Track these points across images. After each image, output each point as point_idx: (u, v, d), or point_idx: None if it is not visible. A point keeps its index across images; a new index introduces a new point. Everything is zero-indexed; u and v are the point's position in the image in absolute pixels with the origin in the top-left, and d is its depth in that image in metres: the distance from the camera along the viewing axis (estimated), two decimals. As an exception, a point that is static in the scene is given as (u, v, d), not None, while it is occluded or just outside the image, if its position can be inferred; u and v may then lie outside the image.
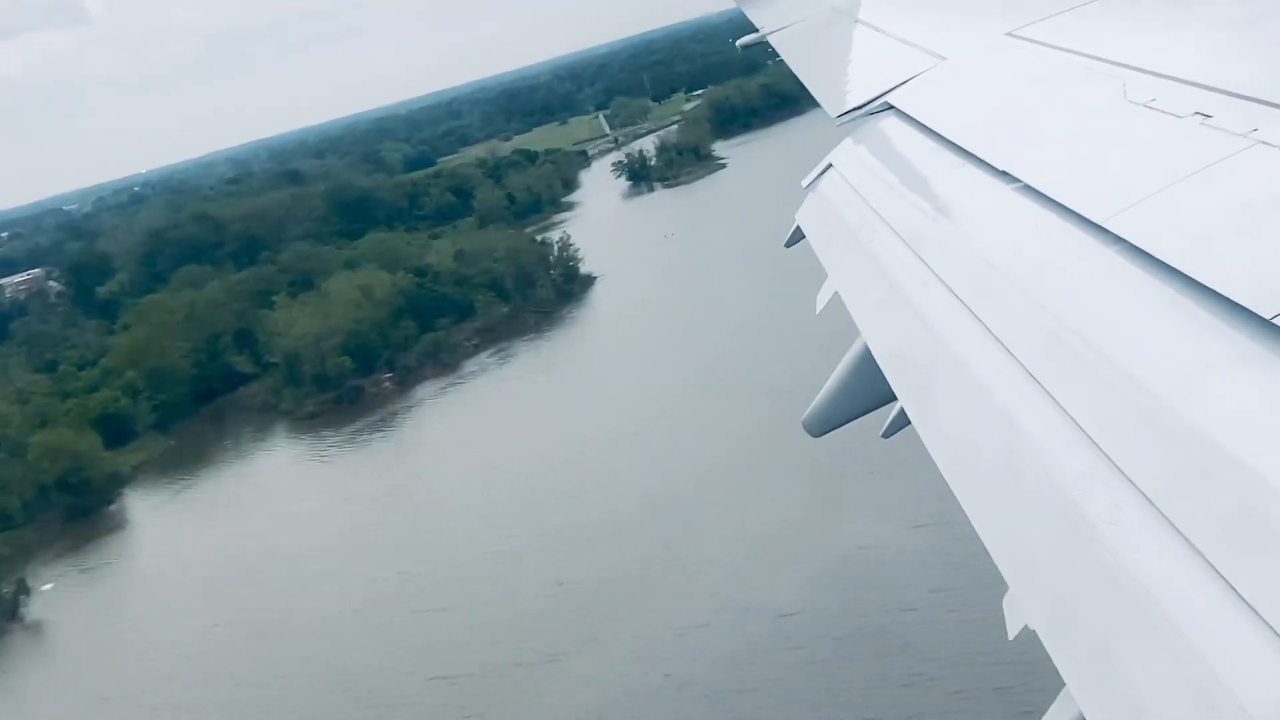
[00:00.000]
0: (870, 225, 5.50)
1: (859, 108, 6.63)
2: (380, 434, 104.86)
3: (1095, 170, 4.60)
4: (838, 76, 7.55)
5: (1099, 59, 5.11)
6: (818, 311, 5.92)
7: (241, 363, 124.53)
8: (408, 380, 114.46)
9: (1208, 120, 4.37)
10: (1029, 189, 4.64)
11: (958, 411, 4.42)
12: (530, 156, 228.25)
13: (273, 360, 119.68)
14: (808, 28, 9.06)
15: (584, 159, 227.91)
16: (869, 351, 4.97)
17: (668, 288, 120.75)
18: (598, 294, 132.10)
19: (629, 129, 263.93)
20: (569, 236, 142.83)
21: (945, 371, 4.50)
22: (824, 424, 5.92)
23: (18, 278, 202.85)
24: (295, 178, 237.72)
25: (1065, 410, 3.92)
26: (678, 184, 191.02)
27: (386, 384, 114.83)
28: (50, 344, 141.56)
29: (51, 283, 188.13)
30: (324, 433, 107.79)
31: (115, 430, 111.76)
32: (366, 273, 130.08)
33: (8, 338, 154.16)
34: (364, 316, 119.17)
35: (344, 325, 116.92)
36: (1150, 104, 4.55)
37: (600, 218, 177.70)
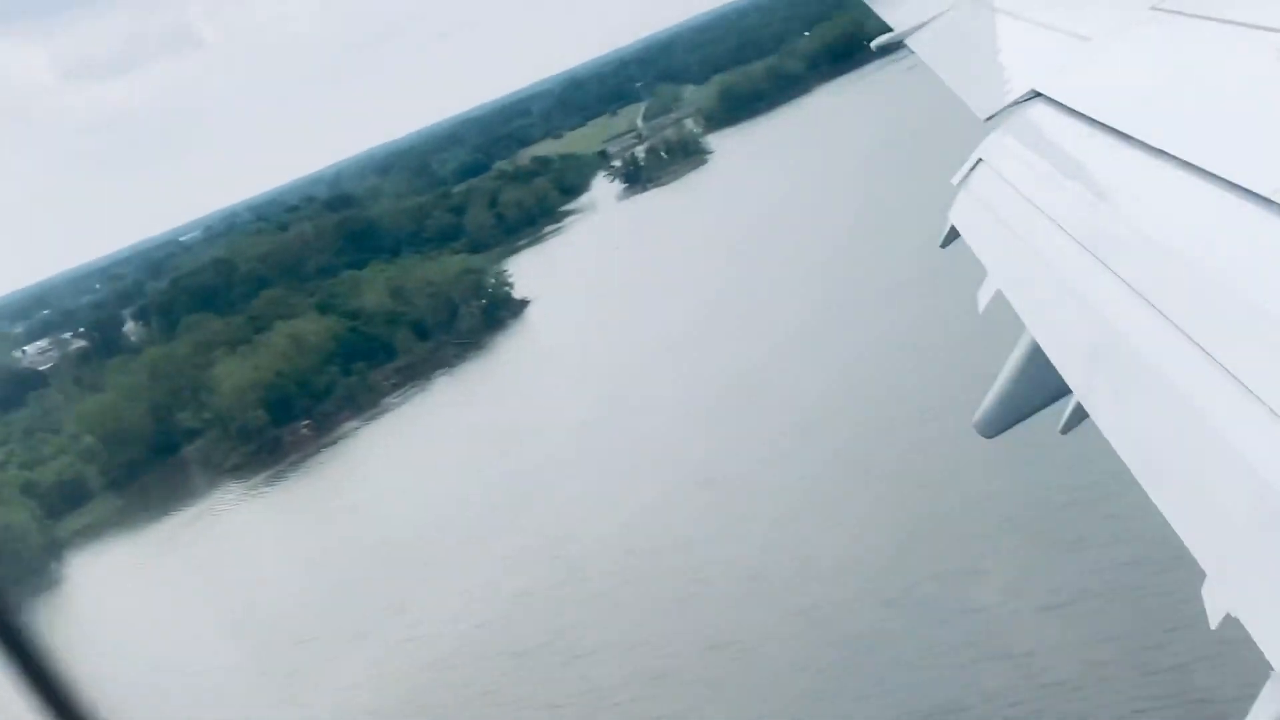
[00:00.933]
0: (1029, 218, 5.39)
1: (1006, 104, 6.50)
2: (282, 482, 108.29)
3: (1258, 141, 4.50)
4: (981, 73, 7.43)
5: (1249, 25, 5.02)
6: (980, 310, 5.79)
7: (188, 419, 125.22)
8: (325, 426, 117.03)
9: None
10: (1191, 166, 4.53)
11: (1141, 402, 4.31)
12: (545, 163, 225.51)
13: (206, 416, 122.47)
14: (944, 25, 8.91)
15: (604, 159, 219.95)
16: (1038, 348, 4.86)
17: (595, 310, 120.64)
18: (528, 320, 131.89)
19: (656, 120, 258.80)
20: (505, 262, 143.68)
21: (1123, 361, 4.39)
22: (997, 424, 5.80)
23: (42, 343, 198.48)
24: (348, 202, 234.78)
25: (1253, 393, 3.82)
26: (661, 184, 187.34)
27: (305, 431, 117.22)
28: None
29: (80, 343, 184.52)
30: (232, 485, 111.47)
31: (71, 495, 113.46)
32: (306, 319, 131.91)
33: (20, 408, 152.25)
34: (290, 366, 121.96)
35: (265, 378, 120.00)
36: None
37: (581, 230, 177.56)
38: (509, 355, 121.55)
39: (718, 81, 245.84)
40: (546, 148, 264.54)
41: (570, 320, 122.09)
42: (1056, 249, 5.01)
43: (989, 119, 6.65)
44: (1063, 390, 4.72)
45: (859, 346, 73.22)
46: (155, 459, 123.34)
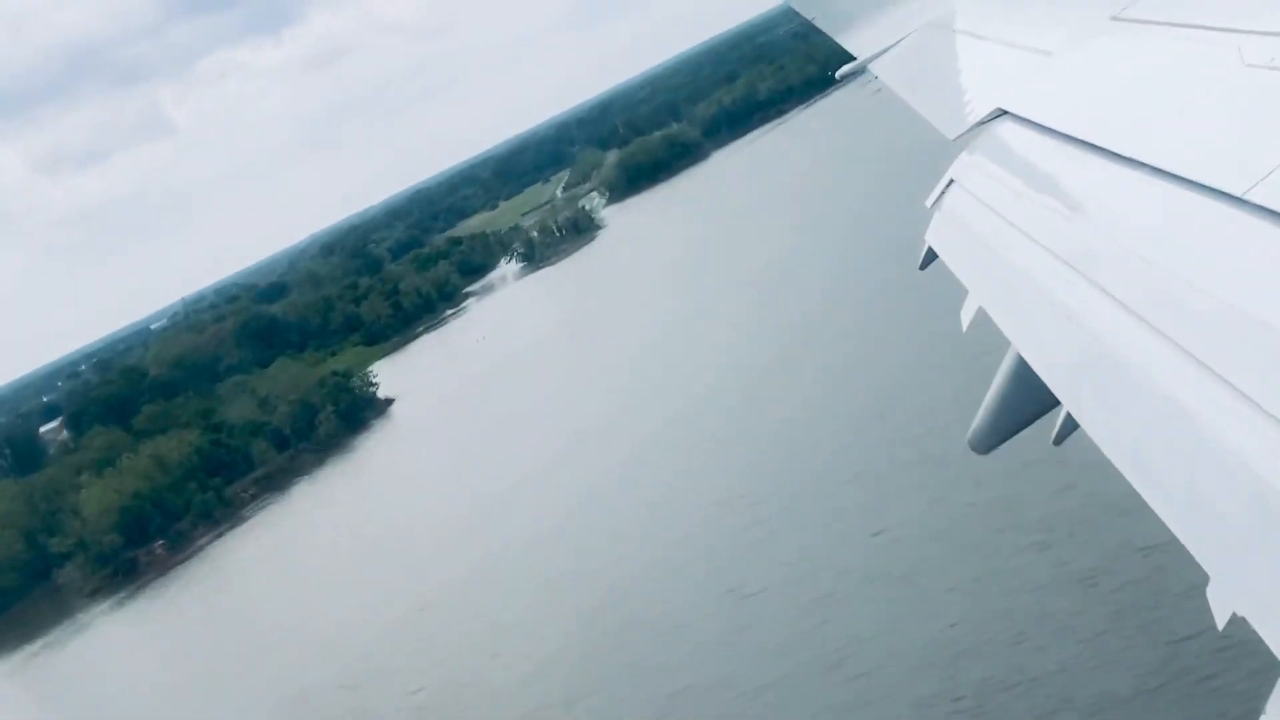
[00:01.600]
0: (1003, 234, 5.44)
1: (973, 123, 6.57)
2: (133, 602, 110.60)
3: (1226, 141, 4.54)
4: (946, 95, 7.48)
5: (1211, 28, 5.06)
6: (964, 329, 5.83)
7: (57, 544, 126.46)
8: (179, 544, 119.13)
9: None
10: (1161, 172, 4.58)
11: (1130, 409, 4.33)
12: (455, 244, 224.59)
13: (70, 541, 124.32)
14: (906, 49, 9.02)
15: (517, 234, 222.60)
16: (1024, 362, 4.88)
17: (458, 404, 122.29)
18: (392, 418, 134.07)
19: (573, 190, 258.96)
20: (404, 349, 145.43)
21: (1109, 370, 4.42)
22: (989, 440, 5.82)
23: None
24: (281, 291, 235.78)
25: (1242, 393, 3.83)
26: (550, 264, 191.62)
27: (159, 551, 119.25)
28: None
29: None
30: (87, 610, 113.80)
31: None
32: (167, 438, 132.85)
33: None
34: (149, 486, 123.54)
35: (124, 500, 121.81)
36: (1271, 64, 4.50)
37: (475, 314, 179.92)
38: (368, 457, 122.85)
39: (617, 154, 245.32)
40: (480, 220, 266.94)
41: (431, 416, 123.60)
42: (1034, 262, 5.05)
43: (957, 139, 6.71)
44: (1051, 402, 4.74)
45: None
46: (28, 585, 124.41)
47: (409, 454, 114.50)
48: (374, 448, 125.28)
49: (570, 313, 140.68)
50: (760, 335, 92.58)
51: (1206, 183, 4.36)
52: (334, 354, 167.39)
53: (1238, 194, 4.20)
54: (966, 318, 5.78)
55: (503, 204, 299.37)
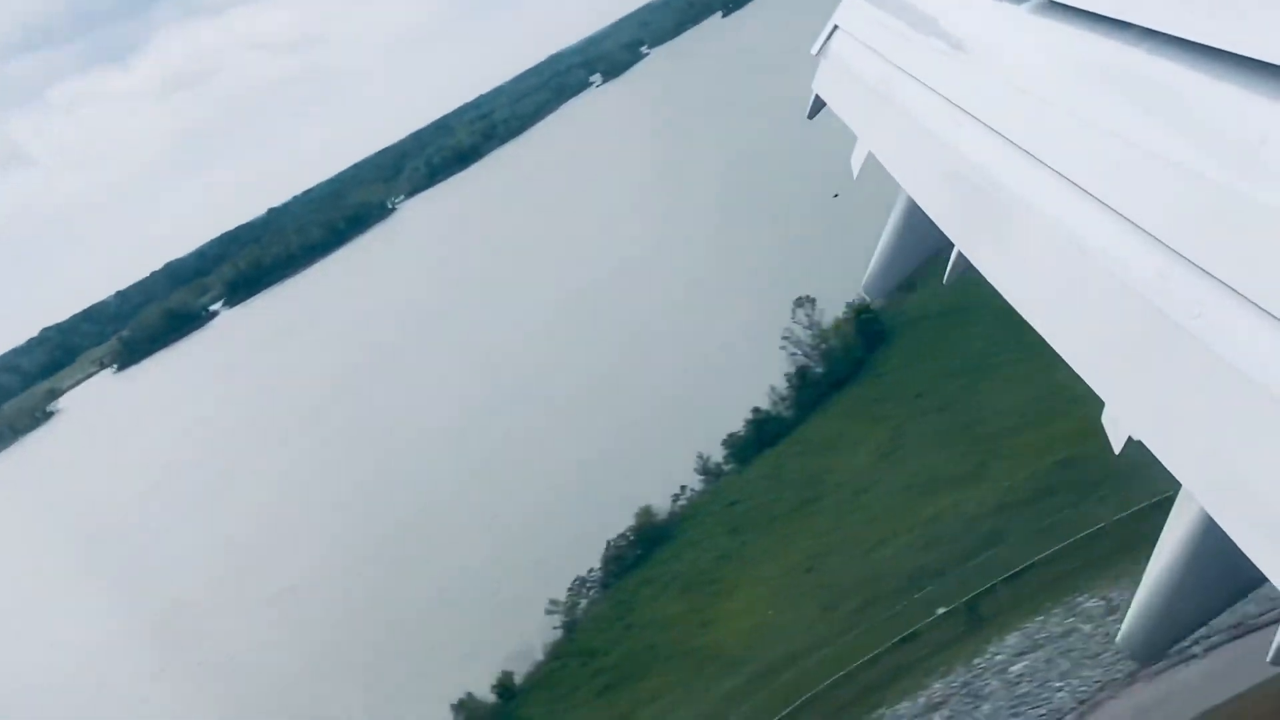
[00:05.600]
0: (888, 77, 5.40)
1: None
2: None
3: None
4: None
5: None
6: (855, 176, 5.81)
7: None
8: None
9: None
10: (1044, 4, 4.55)
11: (1017, 243, 4.36)
12: None
13: None
14: None
15: None
16: (914, 204, 4.88)
17: None
18: None
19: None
20: None
21: (995, 205, 4.43)
22: (883, 285, 5.83)
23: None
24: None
25: (1125, 216, 3.86)
26: None
27: None
28: None
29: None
30: None
31: None
32: None
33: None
34: None
35: None
36: None
37: None
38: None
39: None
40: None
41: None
42: (918, 103, 5.02)
43: None
44: (944, 243, 4.76)
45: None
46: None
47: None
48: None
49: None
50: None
51: (1090, 8, 4.34)
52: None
53: (1117, 17, 4.19)
54: (856, 164, 5.77)
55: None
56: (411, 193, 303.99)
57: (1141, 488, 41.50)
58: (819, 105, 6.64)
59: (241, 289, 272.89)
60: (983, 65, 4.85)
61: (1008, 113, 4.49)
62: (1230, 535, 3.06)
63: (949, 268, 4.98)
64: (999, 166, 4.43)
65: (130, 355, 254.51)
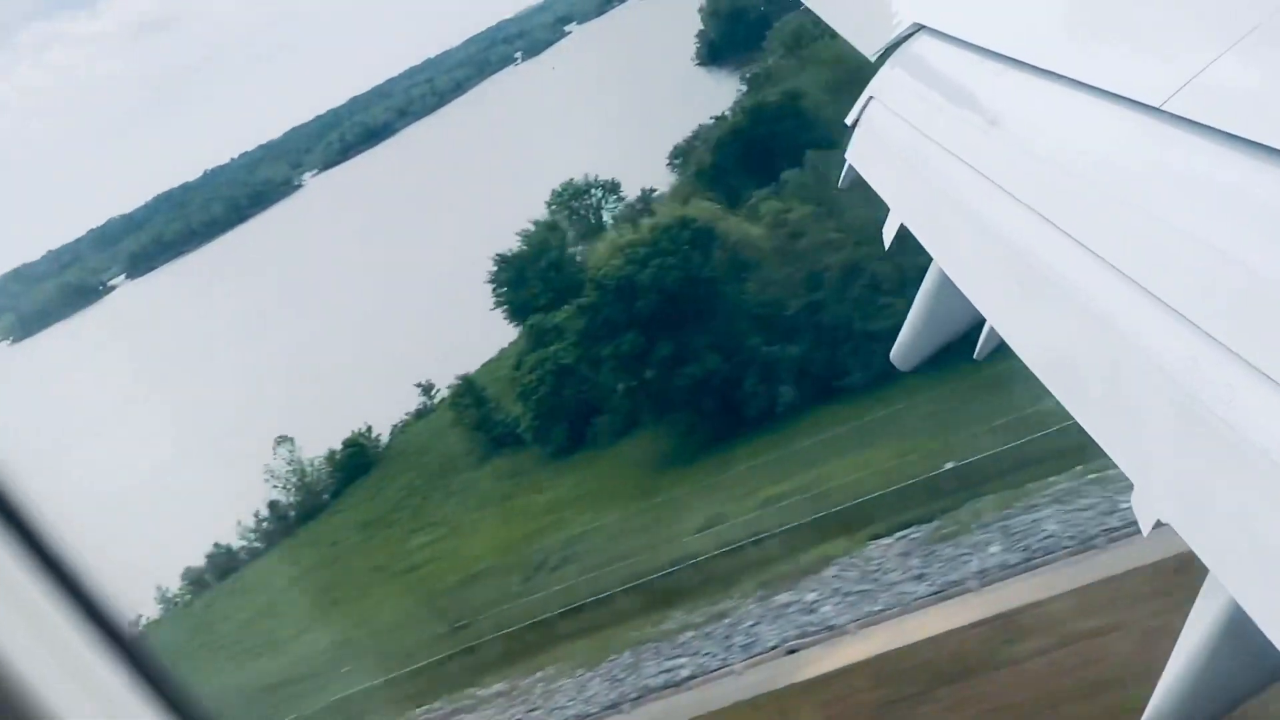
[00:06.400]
0: (923, 150, 5.41)
1: (892, 39, 6.50)
2: None
3: (1143, 53, 4.53)
4: (864, 11, 7.42)
5: None
6: (886, 246, 5.81)
7: None
8: None
9: None
10: (1079, 84, 4.56)
11: (1048, 320, 4.34)
12: None
13: None
14: None
15: None
16: (946, 277, 4.87)
17: None
18: None
19: None
20: None
21: (1027, 282, 4.42)
22: (913, 357, 5.82)
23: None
24: None
25: (1160, 299, 3.84)
26: None
27: None
28: None
29: None
30: None
31: None
32: None
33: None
34: None
35: None
36: None
37: None
38: None
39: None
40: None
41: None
42: (952, 178, 5.03)
43: (876, 57, 6.67)
44: (976, 317, 4.74)
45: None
46: None
47: None
48: None
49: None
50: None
51: (1124, 94, 4.35)
52: None
53: (1155, 105, 4.20)
54: (889, 235, 5.77)
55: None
56: (326, 167, 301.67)
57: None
58: (851, 174, 6.67)
59: (142, 262, 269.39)
60: (1019, 141, 4.86)
61: (1043, 191, 4.49)
62: (1257, 623, 3.01)
63: (980, 343, 4.97)
64: (1034, 243, 4.43)
65: (25, 329, 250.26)
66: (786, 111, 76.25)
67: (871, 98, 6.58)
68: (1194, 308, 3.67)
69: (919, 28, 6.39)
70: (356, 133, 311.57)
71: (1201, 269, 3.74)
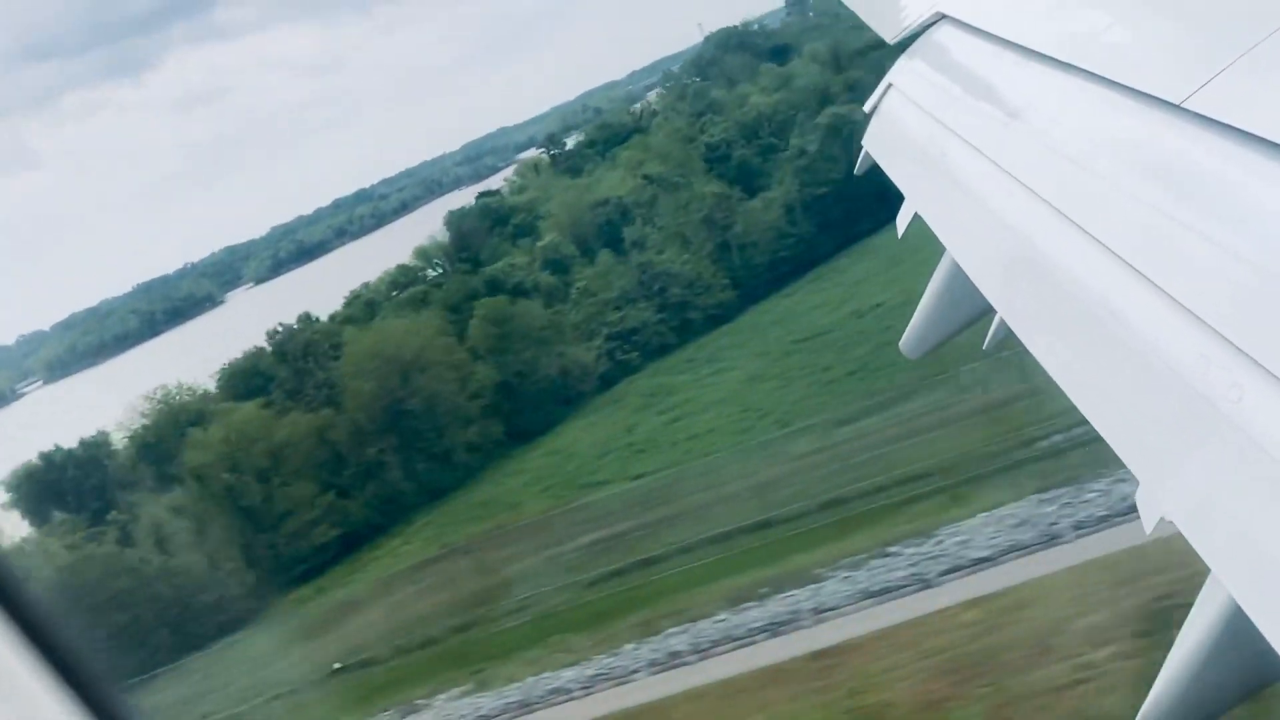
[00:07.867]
0: (940, 139, 5.39)
1: (914, 25, 6.48)
2: None
3: (1164, 49, 4.50)
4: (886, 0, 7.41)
5: None
6: (900, 235, 5.80)
7: None
8: None
9: None
10: (1100, 79, 4.54)
11: (1059, 314, 4.34)
12: None
13: None
14: None
15: None
16: (958, 267, 4.86)
17: None
18: None
19: None
20: None
21: (1039, 275, 4.41)
22: (921, 345, 5.82)
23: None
24: None
25: (1171, 296, 3.83)
26: None
27: None
28: None
29: None
30: None
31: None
32: None
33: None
34: None
35: None
36: None
37: None
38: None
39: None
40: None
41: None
42: (967, 168, 5.02)
43: (896, 43, 6.65)
44: (986, 308, 4.73)
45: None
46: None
47: None
48: None
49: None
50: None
51: (1145, 89, 4.33)
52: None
53: (1175, 102, 4.17)
54: (903, 223, 5.76)
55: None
56: (259, 281, 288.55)
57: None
58: (868, 161, 6.65)
59: (58, 370, 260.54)
60: (1036, 134, 4.84)
61: (1059, 185, 4.48)
62: (1257, 625, 3.01)
63: (989, 335, 4.96)
64: (1048, 237, 4.42)
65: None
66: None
67: (890, 85, 6.57)
68: (1206, 307, 3.66)
69: (941, 16, 6.36)
70: (288, 251, 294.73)
71: (1215, 269, 3.73)
